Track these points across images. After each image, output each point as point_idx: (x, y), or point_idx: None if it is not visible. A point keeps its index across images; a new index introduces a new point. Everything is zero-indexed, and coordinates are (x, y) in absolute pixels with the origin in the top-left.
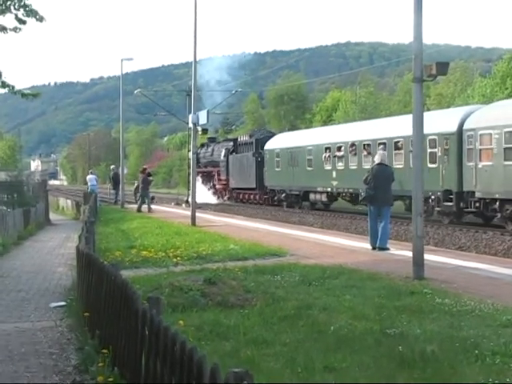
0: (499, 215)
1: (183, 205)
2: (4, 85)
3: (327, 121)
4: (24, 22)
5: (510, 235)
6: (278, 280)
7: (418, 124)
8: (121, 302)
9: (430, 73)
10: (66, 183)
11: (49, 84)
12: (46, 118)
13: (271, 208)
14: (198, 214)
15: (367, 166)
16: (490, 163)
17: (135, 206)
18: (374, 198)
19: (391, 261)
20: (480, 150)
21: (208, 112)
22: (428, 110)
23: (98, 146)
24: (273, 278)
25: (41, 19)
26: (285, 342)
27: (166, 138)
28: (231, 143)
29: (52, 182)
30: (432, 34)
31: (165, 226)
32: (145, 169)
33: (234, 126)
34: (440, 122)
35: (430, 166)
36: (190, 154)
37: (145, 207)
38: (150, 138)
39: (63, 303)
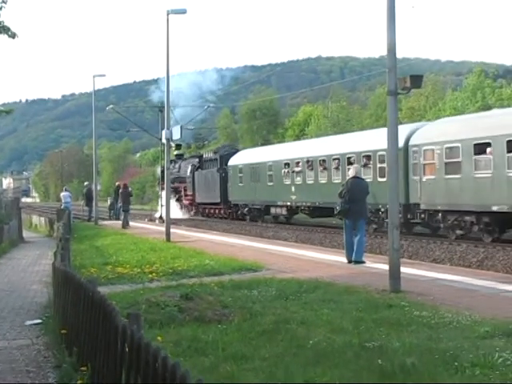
0: (442, 225)
1: (156, 221)
2: None
3: (300, 135)
4: None
5: (483, 247)
6: (255, 295)
7: (393, 137)
8: (99, 319)
9: (404, 85)
10: (38, 200)
11: (20, 101)
12: (17, 134)
13: (245, 223)
14: (172, 230)
15: (323, 180)
16: (432, 177)
17: (109, 223)
18: (349, 212)
19: (367, 274)
20: (424, 164)
21: (181, 127)
22: (400, 123)
23: (70, 163)
24: (249, 292)
25: (13, 36)
26: (264, 357)
27: (138, 154)
28: (197, 160)
29: (24, 200)
30: (402, 48)
31: (139, 241)
32: (125, 184)
33: (206, 142)
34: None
35: (379, 179)
36: (158, 169)
37: (118, 223)
38: (123, 155)
39: (39, 321)
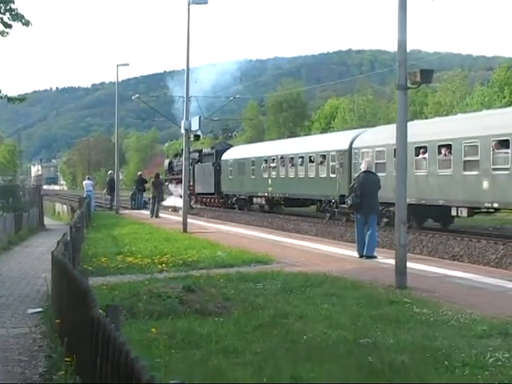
0: None
1: (179, 211)
2: None
3: (326, 128)
4: (10, 26)
5: (503, 244)
6: (259, 288)
7: (402, 133)
8: (82, 310)
9: (415, 80)
10: (65, 188)
11: (50, 89)
12: (47, 122)
13: (268, 215)
14: (191, 221)
15: (291, 175)
16: None
17: (130, 212)
18: (360, 206)
19: (377, 269)
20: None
21: (200, 118)
22: (426, 117)
23: (97, 151)
24: (254, 285)
25: (27, 23)
26: (256, 351)
27: (166, 144)
28: (197, 154)
29: (52, 187)
30: (434, 42)
31: (156, 232)
32: (158, 174)
33: (234, 133)
34: (338, 141)
35: (331, 175)
36: (166, 162)
37: (140, 212)
38: (150, 144)
39: (40, 309)
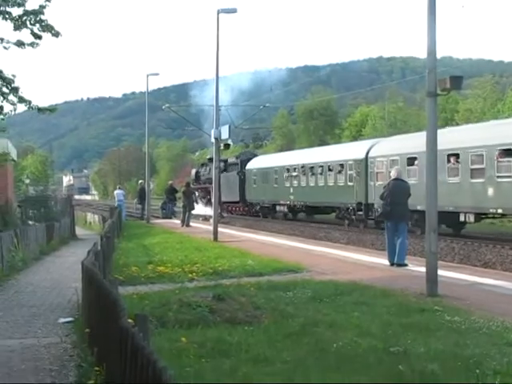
0: None
1: (210, 220)
2: (21, 100)
3: (357, 136)
4: (40, 37)
5: None
6: (290, 296)
7: (432, 140)
8: (111, 319)
9: (444, 87)
10: (97, 198)
11: (81, 99)
12: (78, 133)
13: (299, 223)
14: (221, 230)
15: (312, 183)
16: (381, 182)
17: (161, 221)
18: (390, 214)
19: (408, 277)
20: (377, 172)
21: (230, 127)
22: (457, 124)
23: (128, 161)
24: (285, 294)
25: (56, 34)
26: (285, 360)
27: (197, 153)
28: (223, 163)
29: (84, 197)
30: (465, 49)
31: (186, 241)
32: (188, 183)
33: (264, 141)
34: (355, 150)
35: (348, 183)
36: (193, 171)
37: (170, 221)
38: (181, 153)
39: (71, 319)
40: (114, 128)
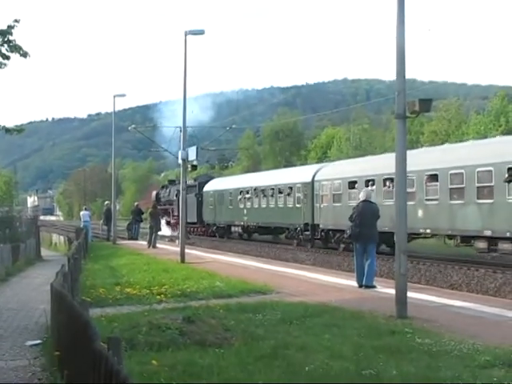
0: (333, 240)
1: (176, 241)
2: None
3: (322, 157)
4: (8, 58)
5: (501, 273)
6: (259, 318)
7: (401, 162)
8: (83, 342)
9: (413, 109)
10: (62, 219)
11: (46, 120)
12: (42, 153)
13: (264, 245)
14: (188, 251)
15: (264, 205)
16: (326, 204)
17: (127, 242)
18: (359, 236)
19: (377, 299)
20: (322, 195)
21: (197, 148)
22: (422, 146)
23: (93, 182)
24: (254, 316)
25: (25, 55)
26: None
27: (162, 174)
28: None
29: (48, 218)
30: (429, 71)
31: (153, 262)
32: (155, 204)
33: (230, 163)
34: (303, 174)
35: (297, 205)
36: (154, 193)
37: (136, 243)
38: (147, 174)
39: (40, 341)
40: (79, 149)
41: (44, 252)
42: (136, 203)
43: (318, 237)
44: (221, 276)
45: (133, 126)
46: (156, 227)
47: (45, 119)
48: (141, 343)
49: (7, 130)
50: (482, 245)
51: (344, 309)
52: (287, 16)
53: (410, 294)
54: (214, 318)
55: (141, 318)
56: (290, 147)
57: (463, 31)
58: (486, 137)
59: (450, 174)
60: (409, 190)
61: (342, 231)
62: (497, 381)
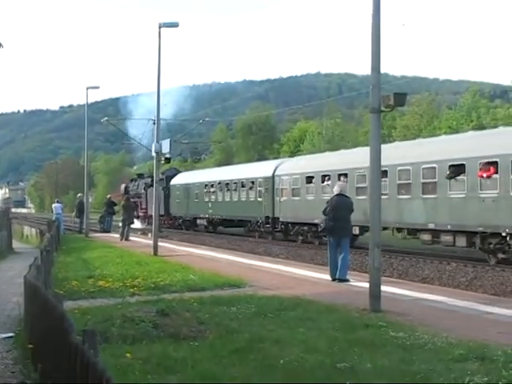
0: (292, 233)
1: (149, 234)
2: None
3: (295, 151)
4: None
5: (472, 267)
6: (234, 311)
7: (376, 157)
8: (59, 335)
9: (388, 103)
10: (33, 211)
11: (18, 111)
12: (14, 145)
13: (237, 238)
14: (161, 244)
15: (227, 198)
16: (285, 198)
17: (99, 235)
18: (333, 229)
19: (350, 292)
20: (282, 189)
21: (171, 141)
22: (394, 140)
23: (66, 174)
24: (228, 309)
25: None
26: (233, 377)
27: (135, 167)
28: (150, 179)
29: (20, 210)
30: (401, 66)
31: (126, 255)
32: (128, 197)
33: (202, 156)
34: (264, 169)
35: (258, 199)
36: (122, 186)
37: (109, 235)
38: (119, 167)
39: (12, 334)
40: (51, 141)
41: (15, 244)
42: (108, 196)
43: (279, 229)
44: (194, 269)
45: (105, 118)
46: (129, 220)
47: (16, 111)
48: (114, 336)
49: None
50: (426, 237)
51: (318, 302)
52: (261, 9)
53: (383, 288)
54: (188, 311)
55: (114, 311)
56: (262, 141)
57: (435, 26)
58: (457, 132)
59: (399, 171)
60: (362, 185)
61: (301, 224)
62: (470, 374)
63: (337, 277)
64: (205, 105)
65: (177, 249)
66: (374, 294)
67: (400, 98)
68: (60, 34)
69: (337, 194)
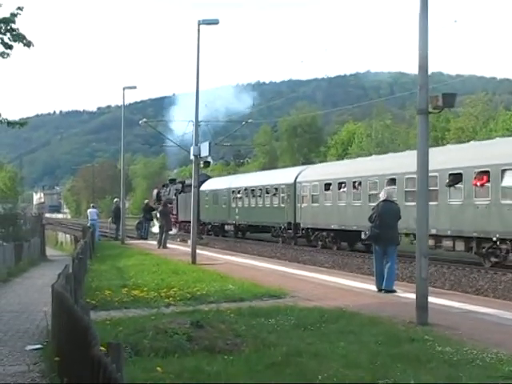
0: (312, 238)
1: (188, 241)
2: None
3: (343, 154)
4: (11, 47)
5: None
6: (272, 323)
7: (424, 160)
8: (82, 348)
9: (436, 104)
10: (69, 216)
11: (54, 113)
12: (50, 148)
13: (281, 246)
14: (200, 252)
15: (253, 204)
16: (306, 204)
17: (136, 242)
18: (379, 237)
19: (397, 304)
20: (302, 196)
21: (210, 144)
22: (448, 143)
23: (103, 178)
24: (266, 321)
25: (28, 44)
26: None
27: (175, 171)
28: (181, 185)
29: (55, 216)
30: (456, 65)
31: (163, 263)
32: (166, 203)
33: (246, 159)
34: (287, 175)
35: (281, 205)
36: (155, 192)
37: (146, 242)
38: (158, 171)
39: (40, 346)
40: (87, 143)
41: (49, 251)
42: (146, 201)
43: (300, 235)
44: (233, 278)
45: (144, 119)
46: (167, 226)
47: (52, 112)
48: (146, 349)
49: (9, 123)
50: (429, 242)
51: (362, 314)
52: (307, 7)
53: (431, 299)
54: (223, 323)
55: (147, 322)
56: (308, 143)
57: (492, 22)
58: None
59: (406, 179)
60: (373, 192)
61: (320, 230)
62: None
63: (383, 287)
64: (248, 105)
65: (216, 257)
66: (421, 305)
67: (449, 99)
68: (97, 33)
69: (383, 200)
